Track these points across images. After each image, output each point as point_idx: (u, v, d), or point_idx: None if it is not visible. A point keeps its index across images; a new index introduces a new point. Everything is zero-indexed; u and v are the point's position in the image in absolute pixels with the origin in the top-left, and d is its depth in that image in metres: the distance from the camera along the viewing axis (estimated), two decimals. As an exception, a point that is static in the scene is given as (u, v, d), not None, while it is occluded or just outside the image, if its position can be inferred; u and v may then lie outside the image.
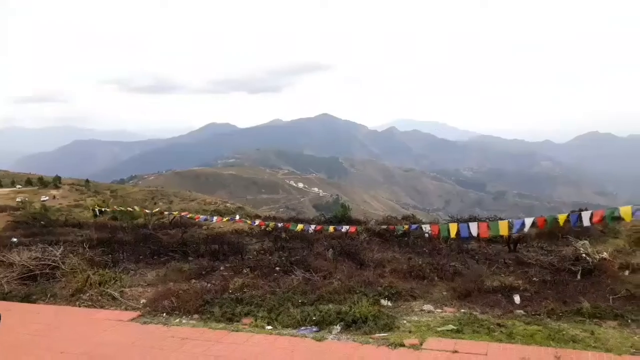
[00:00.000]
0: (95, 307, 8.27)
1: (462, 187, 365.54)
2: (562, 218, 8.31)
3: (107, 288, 9.02)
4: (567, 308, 7.05)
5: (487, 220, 12.75)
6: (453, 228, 10.25)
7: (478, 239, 12.59)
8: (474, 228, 9.79)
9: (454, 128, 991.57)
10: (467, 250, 12.18)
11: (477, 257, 11.56)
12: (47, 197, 77.64)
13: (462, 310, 7.26)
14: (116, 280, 9.55)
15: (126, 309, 8.03)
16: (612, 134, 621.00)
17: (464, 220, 13.60)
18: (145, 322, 7.15)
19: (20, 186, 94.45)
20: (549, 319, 6.65)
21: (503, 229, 9.46)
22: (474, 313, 7.07)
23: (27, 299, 8.91)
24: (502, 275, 9.83)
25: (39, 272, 10.28)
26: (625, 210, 7.28)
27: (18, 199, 68.37)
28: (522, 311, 7.14)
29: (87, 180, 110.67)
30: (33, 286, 9.63)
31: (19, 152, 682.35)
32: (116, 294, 8.71)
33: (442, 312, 7.29)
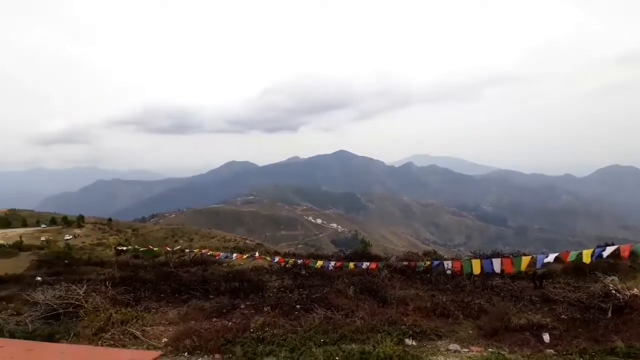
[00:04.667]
0: (117, 346, 8.26)
1: (482, 222, 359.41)
2: (587, 253, 8.12)
3: (129, 327, 9.03)
4: (600, 347, 6.81)
5: (511, 255, 12.52)
6: (476, 264, 10.10)
7: (502, 275, 12.33)
8: (497, 264, 9.62)
9: (471, 163, 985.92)
10: (492, 287, 11.89)
11: (502, 294, 11.28)
12: (70, 236, 78.78)
13: (490, 350, 7.07)
14: (138, 319, 9.56)
15: (148, 348, 7.99)
16: (633, 167, 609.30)
17: (486, 256, 13.38)
18: (166, 362, 7.11)
19: (44, 225, 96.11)
20: (581, 359, 6.42)
21: (526, 264, 9.28)
22: (502, 352, 6.87)
23: (50, 338, 8.94)
24: (529, 312, 9.58)
25: (62, 310, 10.36)
26: (654, 245, 7.11)
27: (42, 238, 69.50)
28: (552, 350, 6.92)
29: (109, 219, 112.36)
30: (57, 325, 9.68)
31: (44, 192, 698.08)
32: (138, 333, 8.70)
33: (468, 351, 7.10)
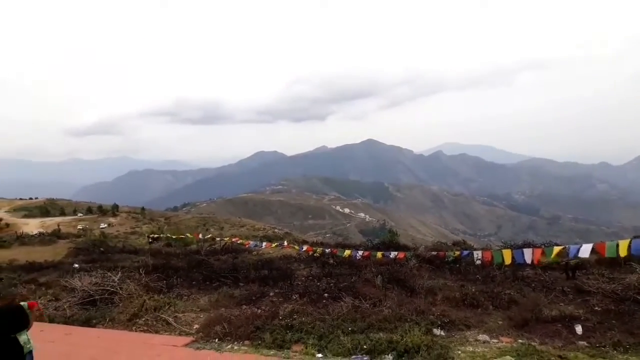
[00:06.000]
0: (150, 332, 8.52)
1: (514, 212, 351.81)
2: (624, 244, 7.87)
3: (162, 313, 9.30)
4: (635, 340, 6.64)
5: (543, 246, 12.26)
6: (507, 254, 9.94)
7: (534, 265, 12.11)
8: (528, 254, 9.45)
9: (502, 151, 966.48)
10: (523, 278, 11.70)
11: (533, 284, 11.10)
12: (105, 225, 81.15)
13: (520, 341, 6.98)
14: (170, 306, 9.83)
15: (180, 334, 8.22)
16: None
17: (517, 246, 13.15)
18: (198, 348, 7.30)
19: (81, 214, 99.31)
20: (615, 352, 6.28)
21: (557, 254, 9.08)
22: (533, 344, 6.77)
23: (87, 323, 9.31)
24: (561, 304, 9.39)
25: (98, 297, 10.75)
26: (695, 235, 6.84)
27: (79, 227, 71.89)
28: (585, 342, 6.78)
29: (142, 208, 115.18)
30: (93, 310, 10.06)
31: (80, 182, 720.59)
32: (170, 319, 8.95)
33: (498, 342, 7.03)
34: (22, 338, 4.46)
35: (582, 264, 12.19)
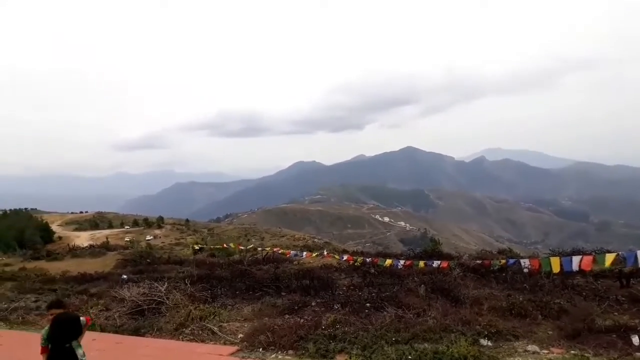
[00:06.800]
0: (196, 341, 8.70)
1: (561, 218, 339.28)
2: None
3: (207, 322, 9.49)
4: (697, 352, 6.27)
5: (593, 253, 11.78)
6: (555, 262, 9.62)
7: (584, 273, 11.64)
8: (578, 262, 9.11)
9: (547, 155, 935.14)
10: (573, 286, 11.26)
11: (584, 293, 10.66)
12: (151, 237, 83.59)
13: (572, 352, 6.72)
14: (215, 315, 10.02)
15: (225, 344, 8.35)
16: None
17: (566, 254, 12.69)
18: (243, 357, 7.40)
19: (128, 227, 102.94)
20: (675, 364, 5.95)
21: (610, 262, 8.71)
22: (586, 355, 6.51)
23: (136, 332, 9.61)
24: (615, 313, 8.98)
25: (146, 307, 11.08)
26: None
27: (126, 239, 74.47)
28: (642, 354, 6.46)
29: (186, 220, 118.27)
30: (141, 320, 10.37)
31: (126, 195, 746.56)
32: (215, 329, 9.12)
33: (548, 353, 6.79)
34: (79, 352, 4.67)
35: (636, 272, 11.63)
